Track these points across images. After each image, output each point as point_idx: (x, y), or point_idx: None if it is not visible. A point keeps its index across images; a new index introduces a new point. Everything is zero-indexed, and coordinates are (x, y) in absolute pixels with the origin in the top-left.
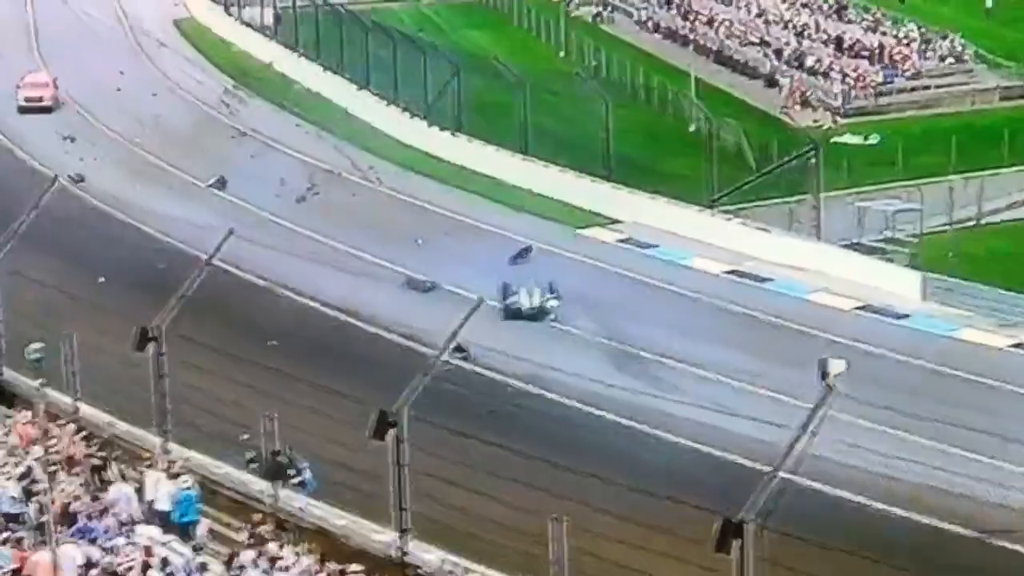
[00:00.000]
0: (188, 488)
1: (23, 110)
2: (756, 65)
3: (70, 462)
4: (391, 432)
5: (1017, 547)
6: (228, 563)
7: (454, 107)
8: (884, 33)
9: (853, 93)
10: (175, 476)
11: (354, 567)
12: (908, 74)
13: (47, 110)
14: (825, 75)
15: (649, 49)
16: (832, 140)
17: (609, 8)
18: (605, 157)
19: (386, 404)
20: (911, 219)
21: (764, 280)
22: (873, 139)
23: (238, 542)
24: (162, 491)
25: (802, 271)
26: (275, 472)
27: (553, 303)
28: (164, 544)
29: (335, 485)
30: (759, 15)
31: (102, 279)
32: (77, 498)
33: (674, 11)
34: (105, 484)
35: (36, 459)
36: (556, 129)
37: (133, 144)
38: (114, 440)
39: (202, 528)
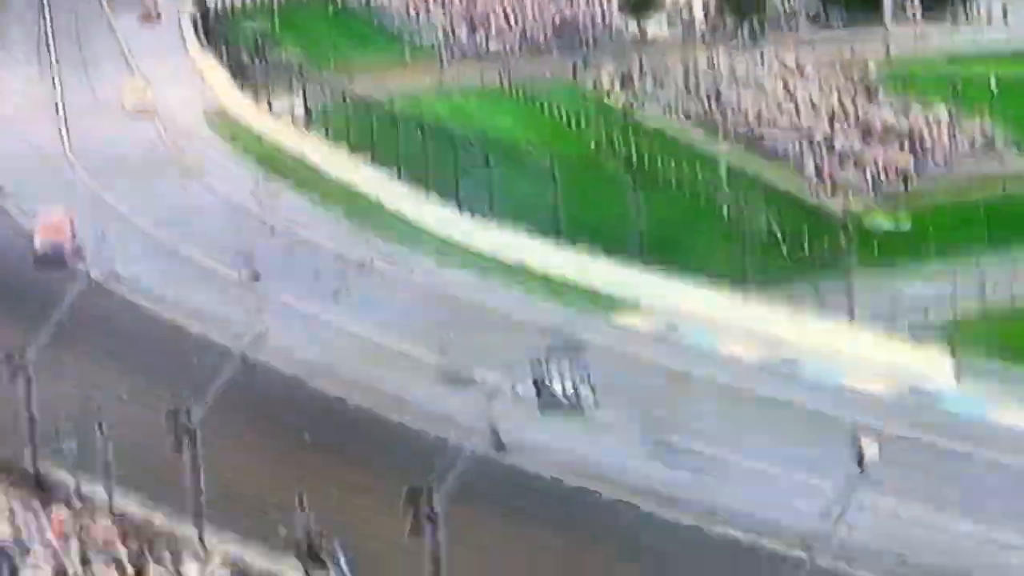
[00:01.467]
0: None
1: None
2: (786, 149)
3: (106, 555)
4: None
5: None
6: None
7: (486, 196)
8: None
9: (883, 177)
10: (211, 569)
11: None
12: (938, 158)
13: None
14: (855, 161)
15: (679, 135)
16: (864, 224)
17: (639, 97)
18: (639, 243)
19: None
20: (943, 302)
21: (795, 363)
22: (904, 224)
23: None
24: None
25: (834, 354)
26: (312, 560)
27: (587, 393)
28: None
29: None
30: (789, 100)
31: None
32: None
33: (704, 99)
34: None
35: (71, 552)
36: (588, 216)
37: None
38: (150, 532)
39: None
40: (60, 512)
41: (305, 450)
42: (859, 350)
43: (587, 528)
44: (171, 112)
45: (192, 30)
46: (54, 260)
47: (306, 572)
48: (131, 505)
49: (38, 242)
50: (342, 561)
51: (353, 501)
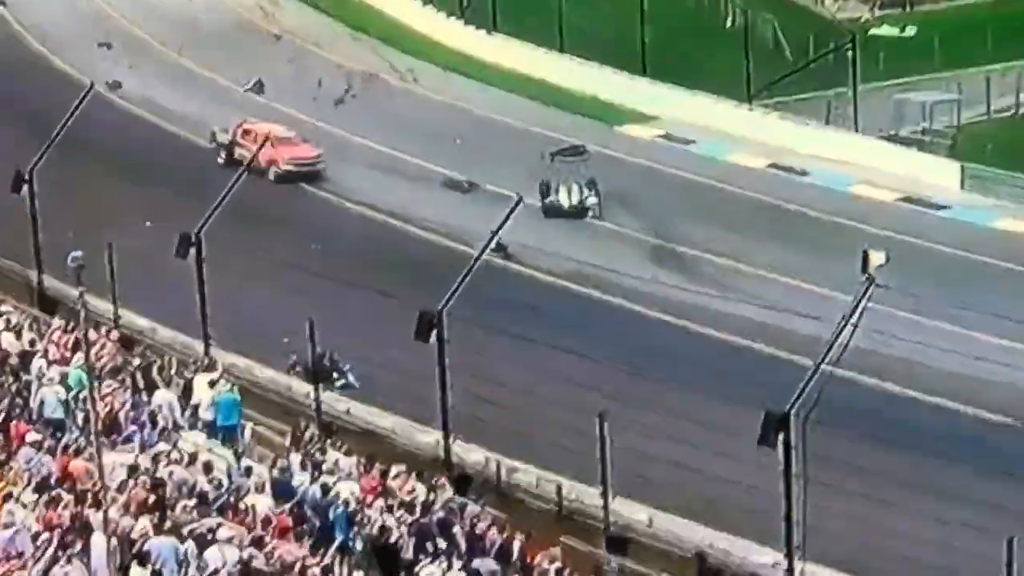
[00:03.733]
0: (229, 392)
1: None
2: None
3: (113, 369)
4: (434, 332)
5: None
6: (272, 466)
7: (490, 5)
8: None
9: None
10: (216, 381)
11: (398, 467)
12: None
13: None
14: None
15: None
16: (869, 32)
17: None
18: (641, 54)
19: (428, 304)
20: (949, 110)
21: (803, 173)
22: (910, 31)
23: (283, 446)
24: (205, 397)
25: (841, 163)
26: (318, 375)
27: (592, 200)
28: (208, 449)
29: (379, 387)
30: None
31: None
32: (121, 405)
33: None
34: (148, 391)
35: (79, 366)
36: (591, 26)
37: (170, 49)
38: (157, 346)
39: (246, 432)
40: (68, 326)
41: (312, 259)
42: (865, 158)
43: (591, 335)
44: None
45: None
46: None
47: (315, 388)
48: (138, 320)
49: None
50: (350, 375)
51: (360, 311)
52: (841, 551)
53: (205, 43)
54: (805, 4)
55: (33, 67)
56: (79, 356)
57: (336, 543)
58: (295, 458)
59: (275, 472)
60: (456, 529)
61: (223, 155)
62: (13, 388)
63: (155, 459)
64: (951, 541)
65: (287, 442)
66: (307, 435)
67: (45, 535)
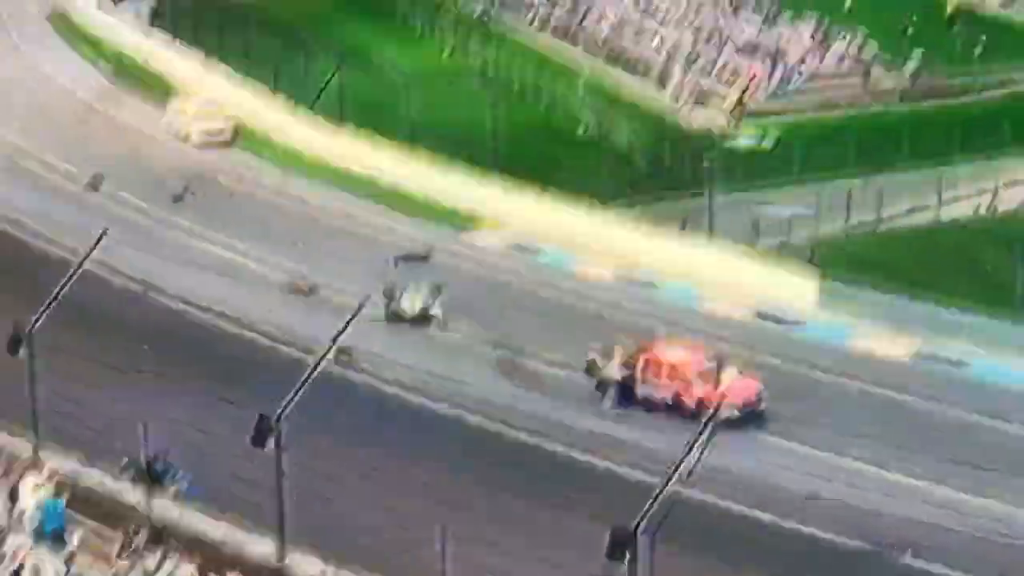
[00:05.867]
0: (53, 496)
1: None
2: (649, 64)
3: None
4: (271, 439)
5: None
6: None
7: (337, 102)
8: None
9: (747, 93)
10: (43, 484)
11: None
12: (805, 74)
13: None
14: (720, 75)
15: (538, 47)
16: (727, 143)
17: (496, 4)
18: (493, 158)
19: (266, 410)
20: (807, 223)
21: (651, 285)
22: (769, 141)
23: (111, 552)
24: (31, 500)
25: (693, 275)
26: (150, 479)
27: (437, 308)
28: (34, 555)
29: (213, 492)
30: (651, 13)
31: None
32: None
33: (564, 7)
34: None
35: None
36: (441, 125)
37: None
38: None
39: (74, 538)
40: None
41: (146, 363)
42: (718, 272)
43: (431, 444)
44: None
45: None
46: None
47: (146, 493)
48: None
49: None
50: (183, 480)
51: (196, 416)
52: None
53: (44, 132)
54: (661, 111)
55: None
56: None
57: None
58: (124, 566)
59: None
60: None
61: (612, 395)
62: None
63: None
64: None
65: (116, 548)
66: (137, 541)
67: None
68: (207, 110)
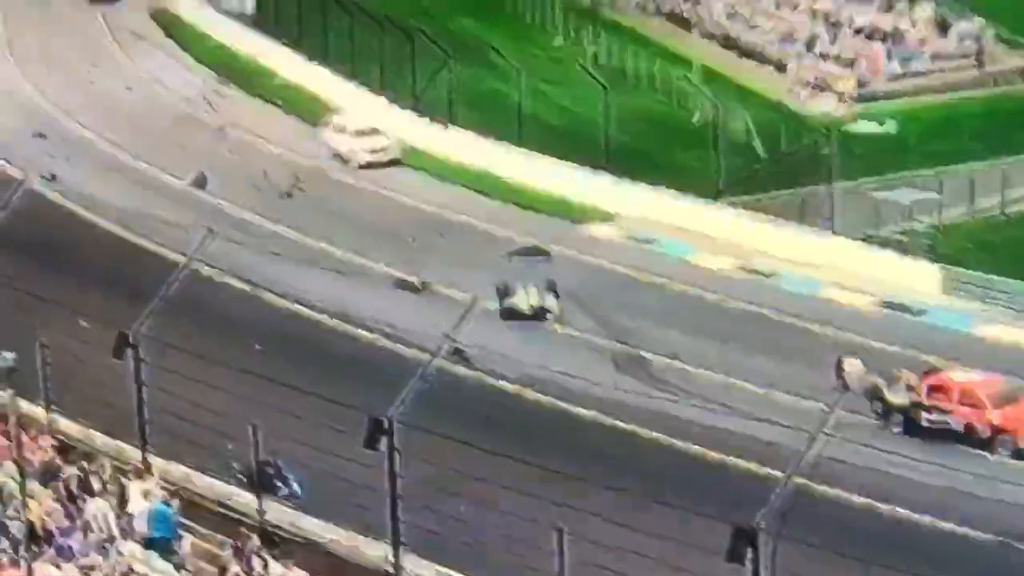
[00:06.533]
0: (164, 503)
1: None
2: (765, 49)
3: (46, 475)
4: (384, 440)
5: None
6: None
7: (446, 98)
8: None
9: (867, 78)
10: (153, 489)
11: None
12: (925, 56)
13: None
14: (838, 59)
15: (651, 34)
16: (845, 128)
17: None
18: (605, 148)
19: (379, 411)
20: (930, 210)
21: (773, 275)
22: (888, 126)
23: (223, 558)
24: (140, 506)
25: (813, 266)
26: (262, 484)
27: (552, 303)
28: (144, 562)
29: (326, 497)
30: None
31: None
32: (50, 514)
33: None
34: (82, 499)
35: (9, 474)
36: (554, 119)
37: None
38: (92, 452)
39: (185, 544)
40: None
41: (256, 364)
42: (841, 261)
43: (549, 444)
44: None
45: None
46: None
47: (257, 496)
48: (72, 426)
49: None
50: (293, 484)
51: (308, 417)
52: None
53: (145, 135)
54: (780, 98)
55: None
56: (8, 463)
57: None
58: (236, 571)
59: None
60: None
61: (897, 422)
62: None
63: (88, 572)
64: None
65: (228, 554)
66: (249, 547)
67: None
68: (366, 128)
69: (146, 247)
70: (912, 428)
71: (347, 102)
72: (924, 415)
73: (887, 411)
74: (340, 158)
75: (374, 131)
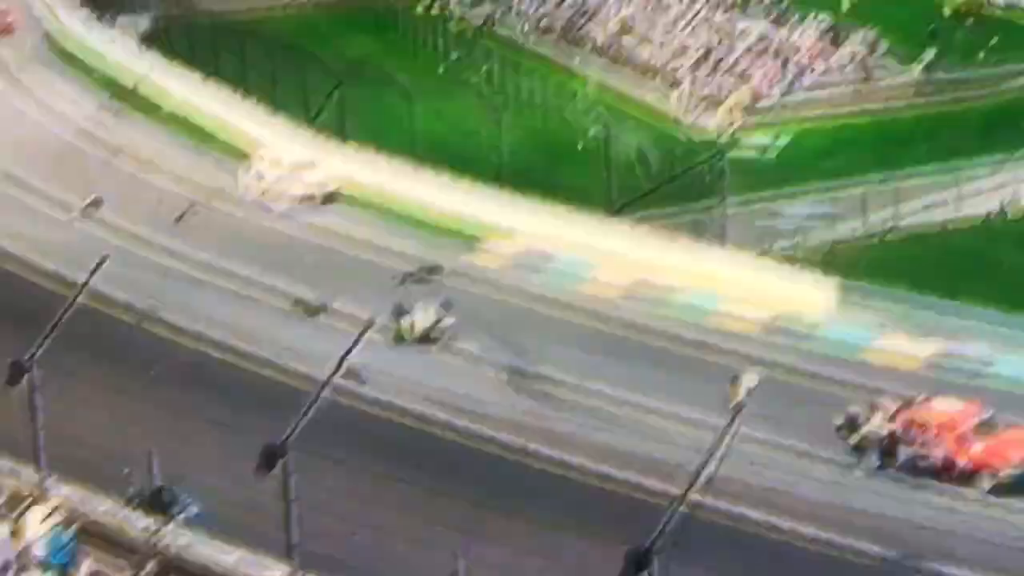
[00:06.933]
0: (61, 528)
1: None
2: (658, 66)
3: None
4: (280, 464)
5: None
6: None
7: (338, 118)
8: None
9: (760, 93)
10: (50, 516)
11: None
12: (817, 72)
13: None
14: (730, 75)
15: (544, 52)
16: (738, 144)
17: (499, 12)
18: (499, 167)
19: (274, 435)
20: (823, 225)
21: (668, 292)
22: (781, 141)
23: None
24: (37, 531)
25: (710, 282)
26: (158, 507)
27: (448, 323)
28: None
29: (222, 520)
30: (656, 14)
31: None
32: None
33: (567, 11)
34: None
35: None
36: (447, 138)
37: None
38: None
39: (83, 569)
40: None
41: (152, 389)
42: (735, 277)
43: (445, 467)
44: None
45: None
46: None
47: (155, 522)
48: None
49: None
50: (191, 508)
51: (203, 442)
52: None
53: (37, 160)
54: (670, 115)
55: None
56: None
57: None
58: None
59: None
60: None
61: (872, 457)
62: None
63: None
64: None
65: None
66: (146, 571)
67: None
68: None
69: (40, 273)
70: (887, 463)
71: (241, 123)
72: (901, 449)
73: (861, 447)
74: (265, 197)
75: (309, 165)
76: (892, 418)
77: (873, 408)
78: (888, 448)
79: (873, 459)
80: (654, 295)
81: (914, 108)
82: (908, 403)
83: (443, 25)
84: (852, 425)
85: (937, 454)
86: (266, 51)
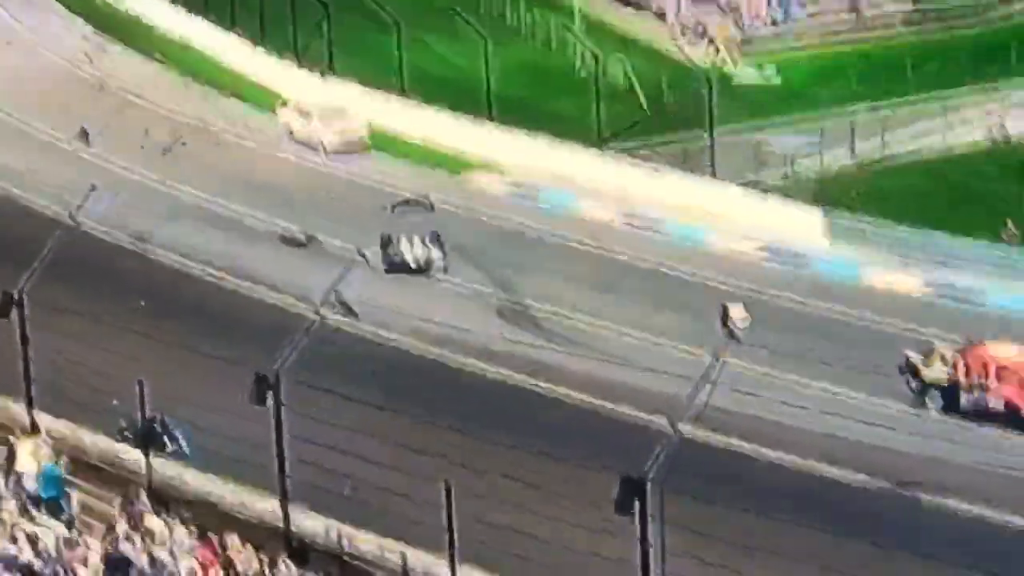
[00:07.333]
0: (52, 462)
1: None
2: None
3: None
4: (270, 396)
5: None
6: (103, 538)
7: (326, 49)
8: None
9: (749, 24)
10: (41, 448)
11: (234, 537)
12: (807, 2)
13: None
14: (719, 6)
15: None
16: (727, 73)
17: None
18: (487, 98)
19: (264, 366)
20: (811, 154)
21: (657, 224)
22: (769, 72)
23: (112, 515)
24: (28, 465)
25: (699, 214)
26: (148, 440)
27: (437, 255)
28: (32, 520)
29: (213, 453)
30: None
31: None
32: None
33: None
34: None
35: None
36: (435, 70)
37: None
38: None
39: (73, 502)
40: None
41: (141, 321)
42: (724, 208)
43: (436, 398)
44: None
45: None
46: None
47: (144, 453)
48: None
49: None
50: (181, 440)
51: (193, 373)
52: None
53: (24, 92)
54: (661, 45)
55: None
56: None
57: None
58: (124, 528)
59: (106, 544)
60: None
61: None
62: None
63: None
64: None
65: (116, 511)
66: (137, 504)
67: None
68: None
69: (28, 206)
70: (951, 406)
71: (227, 55)
72: (963, 394)
73: (924, 388)
74: (307, 146)
75: (341, 112)
76: (952, 364)
77: (930, 353)
78: (951, 392)
79: (935, 402)
80: (644, 226)
81: (903, 37)
82: (968, 347)
83: None
84: (914, 369)
85: (999, 398)
86: None
